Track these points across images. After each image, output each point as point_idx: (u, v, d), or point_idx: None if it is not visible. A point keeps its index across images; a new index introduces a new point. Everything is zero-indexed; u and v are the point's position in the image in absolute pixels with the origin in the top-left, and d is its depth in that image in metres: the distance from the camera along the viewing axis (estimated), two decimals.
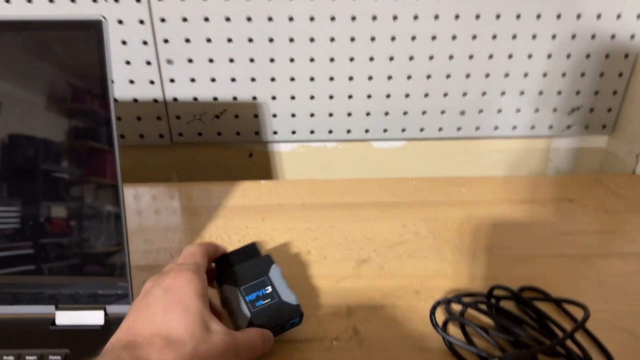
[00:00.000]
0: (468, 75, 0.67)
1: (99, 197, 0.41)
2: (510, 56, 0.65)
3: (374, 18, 0.62)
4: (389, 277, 0.48)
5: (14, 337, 0.41)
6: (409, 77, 0.66)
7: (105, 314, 0.42)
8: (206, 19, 0.61)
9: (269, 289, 0.40)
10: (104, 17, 0.37)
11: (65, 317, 0.42)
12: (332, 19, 0.62)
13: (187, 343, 0.32)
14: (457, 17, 0.63)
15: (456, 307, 0.44)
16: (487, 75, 0.67)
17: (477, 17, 0.63)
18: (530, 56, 0.65)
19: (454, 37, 0.64)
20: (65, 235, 0.41)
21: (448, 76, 0.66)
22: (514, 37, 0.64)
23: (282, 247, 0.53)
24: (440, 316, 0.43)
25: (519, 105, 0.68)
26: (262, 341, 0.37)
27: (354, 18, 0.62)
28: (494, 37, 0.64)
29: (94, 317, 0.42)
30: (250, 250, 0.43)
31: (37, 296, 0.42)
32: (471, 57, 0.65)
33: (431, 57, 0.65)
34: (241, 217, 0.58)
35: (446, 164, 0.74)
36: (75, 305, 0.42)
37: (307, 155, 0.72)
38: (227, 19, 0.62)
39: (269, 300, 0.39)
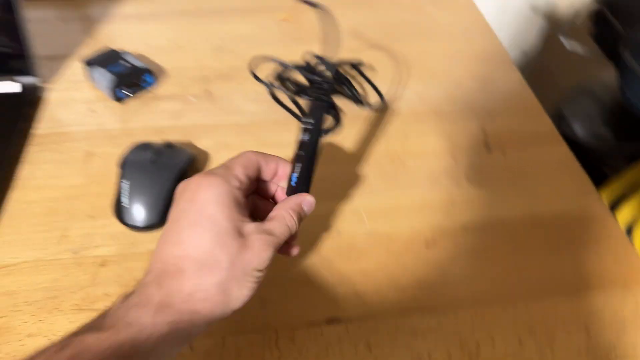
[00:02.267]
0: None
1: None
2: None
3: None
4: (239, 59, 0.64)
5: None
6: None
7: (23, 85, 0.57)
8: None
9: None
10: None
11: None
12: None
13: (222, 259, 0.30)
14: None
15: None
16: None
17: None
18: None
19: None
20: None
21: None
22: None
23: (157, 42, 0.67)
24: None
25: None
26: (294, 218, 0.35)
27: None
28: None
29: (11, 86, 0.57)
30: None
31: None
32: None
33: None
34: (129, 22, 0.71)
35: None
36: None
37: None
38: None
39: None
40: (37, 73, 0.58)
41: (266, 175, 0.37)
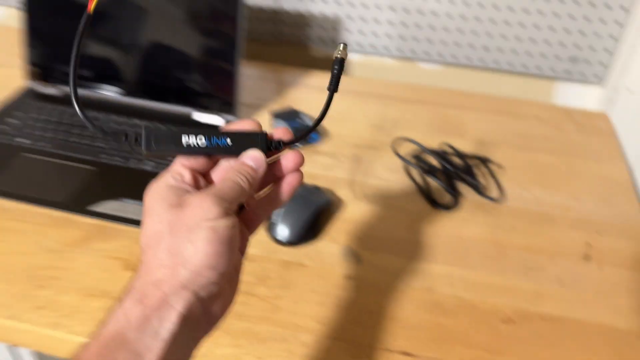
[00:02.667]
0: (493, 21, 0.91)
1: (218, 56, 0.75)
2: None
3: None
4: (387, 136, 0.78)
5: (172, 120, 0.77)
6: (448, 16, 0.92)
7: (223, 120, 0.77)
8: None
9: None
10: None
11: (198, 116, 0.77)
12: None
13: (161, 229, 0.33)
14: None
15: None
16: (507, 23, 0.90)
17: None
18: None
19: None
20: (197, 81, 0.76)
21: (477, 19, 0.91)
22: None
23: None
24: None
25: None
26: (248, 177, 0.36)
27: None
28: None
29: (214, 119, 0.77)
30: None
31: (188, 102, 0.78)
32: (495, 7, 0.89)
33: (466, 3, 0.90)
34: (311, 91, 0.89)
35: (470, 87, 0.99)
36: (204, 110, 0.77)
37: (369, 65, 1.01)
38: None
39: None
40: (237, 114, 0.77)
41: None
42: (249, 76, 0.93)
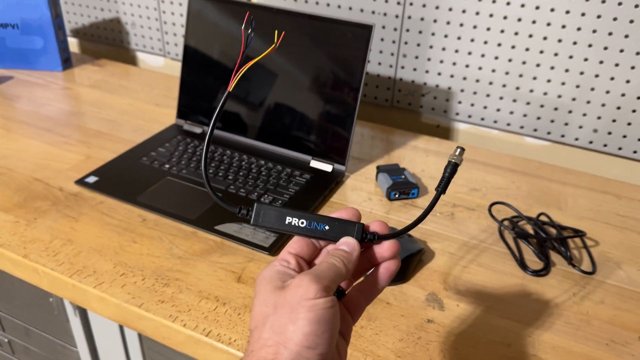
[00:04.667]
0: (603, 104, 0.93)
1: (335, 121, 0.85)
2: None
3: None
4: (485, 200, 0.82)
5: (292, 164, 0.87)
6: (559, 96, 0.95)
7: (333, 168, 0.86)
8: (432, 34, 1.00)
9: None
10: (374, 23, 0.80)
11: (314, 163, 0.87)
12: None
13: (266, 310, 0.35)
14: (601, 62, 0.90)
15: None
16: (619, 107, 0.92)
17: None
18: None
19: (596, 76, 0.91)
20: (317, 134, 0.86)
21: (588, 102, 0.94)
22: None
23: (431, 171, 0.90)
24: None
25: None
26: (343, 259, 0.38)
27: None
28: (628, 81, 0.89)
29: (327, 166, 0.86)
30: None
31: (305, 150, 0.88)
32: (607, 92, 0.92)
33: (577, 86, 0.93)
34: (417, 152, 0.96)
35: (576, 167, 1.00)
36: (319, 158, 0.87)
37: (476, 135, 1.07)
38: (445, 36, 1.00)
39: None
40: (346, 164, 0.86)
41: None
42: (362, 135, 1.02)
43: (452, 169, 0.40)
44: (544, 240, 0.73)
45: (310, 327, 0.33)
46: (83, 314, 0.79)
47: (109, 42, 1.37)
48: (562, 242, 0.72)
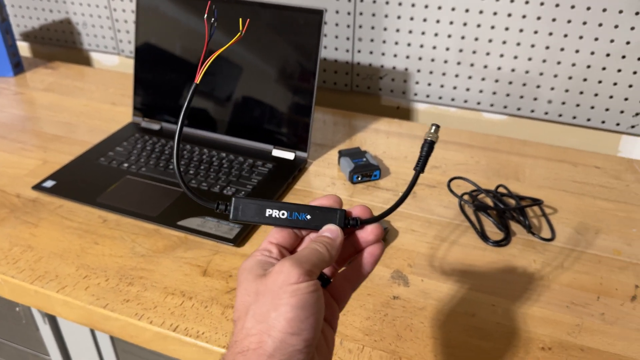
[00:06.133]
0: (556, 75, 0.95)
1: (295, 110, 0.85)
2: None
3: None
4: (445, 177, 0.84)
5: (254, 154, 0.87)
6: (512, 70, 0.97)
7: (295, 156, 0.86)
8: (385, 16, 1.01)
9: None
10: (325, 8, 0.80)
11: (276, 152, 0.87)
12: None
13: (248, 299, 0.35)
14: (550, 34, 0.92)
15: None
16: (570, 77, 0.94)
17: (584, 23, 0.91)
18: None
19: (547, 47, 0.93)
20: (277, 123, 0.86)
21: (541, 73, 0.96)
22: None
23: (392, 152, 0.91)
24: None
25: None
26: (326, 244, 0.37)
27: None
28: (577, 51, 0.92)
29: (289, 154, 0.86)
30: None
31: (267, 140, 0.88)
32: (559, 62, 0.94)
33: (530, 59, 0.95)
34: (378, 134, 0.97)
35: (533, 138, 1.03)
36: (281, 147, 0.87)
37: (435, 114, 1.08)
38: (398, 17, 1.00)
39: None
40: (308, 151, 0.86)
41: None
42: (324, 121, 1.02)
43: (428, 147, 0.40)
44: (503, 212, 0.74)
45: (293, 313, 0.32)
46: (52, 321, 0.77)
47: (60, 44, 1.34)
48: (520, 211, 0.74)
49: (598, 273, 0.66)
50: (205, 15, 0.39)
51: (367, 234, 0.40)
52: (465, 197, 0.78)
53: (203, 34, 0.40)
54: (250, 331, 0.33)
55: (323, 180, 0.84)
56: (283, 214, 0.39)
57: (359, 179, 0.82)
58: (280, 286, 0.33)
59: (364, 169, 0.82)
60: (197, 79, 0.40)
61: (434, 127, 0.40)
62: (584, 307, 0.61)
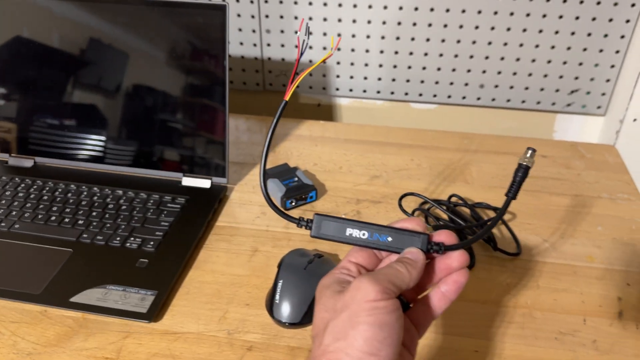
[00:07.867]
0: (487, 57, 0.87)
1: (207, 124, 0.70)
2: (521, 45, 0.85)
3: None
4: (390, 188, 0.73)
5: (159, 187, 0.71)
6: (440, 55, 0.88)
7: (212, 183, 0.71)
8: (295, 2, 0.87)
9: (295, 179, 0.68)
10: (227, 2, 0.65)
11: (187, 180, 0.72)
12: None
13: (326, 316, 0.35)
14: (479, 12, 0.83)
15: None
16: (502, 58, 0.87)
17: (495, 13, 0.83)
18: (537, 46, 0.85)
19: (476, 27, 0.84)
20: (185, 144, 0.71)
21: (471, 56, 0.87)
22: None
23: (324, 163, 0.79)
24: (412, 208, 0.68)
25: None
26: (407, 265, 0.37)
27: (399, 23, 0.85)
28: (508, 29, 0.84)
29: (204, 182, 0.71)
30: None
31: (174, 167, 0.72)
32: (490, 43, 0.86)
33: (458, 41, 0.86)
34: (303, 142, 0.84)
35: (467, 126, 0.95)
36: (193, 174, 0.72)
37: (360, 108, 0.97)
38: (310, 4, 0.87)
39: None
40: (226, 175, 0.72)
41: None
42: (238, 128, 0.88)
43: (523, 172, 0.40)
44: (461, 231, 0.65)
45: (371, 332, 0.32)
46: None
47: None
48: (481, 227, 0.65)
49: (577, 288, 0.59)
50: (298, 32, 0.43)
51: (452, 260, 0.39)
52: (417, 213, 0.68)
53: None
54: (328, 348, 0.33)
55: (251, 210, 0.70)
56: (364, 234, 0.39)
57: (293, 204, 0.69)
58: (358, 303, 0.33)
59: (298, 192, 0.69)
60: (287, 96, 0.41)
61: (530, 152, 0.40)
62: (573, 336, 0.54)
